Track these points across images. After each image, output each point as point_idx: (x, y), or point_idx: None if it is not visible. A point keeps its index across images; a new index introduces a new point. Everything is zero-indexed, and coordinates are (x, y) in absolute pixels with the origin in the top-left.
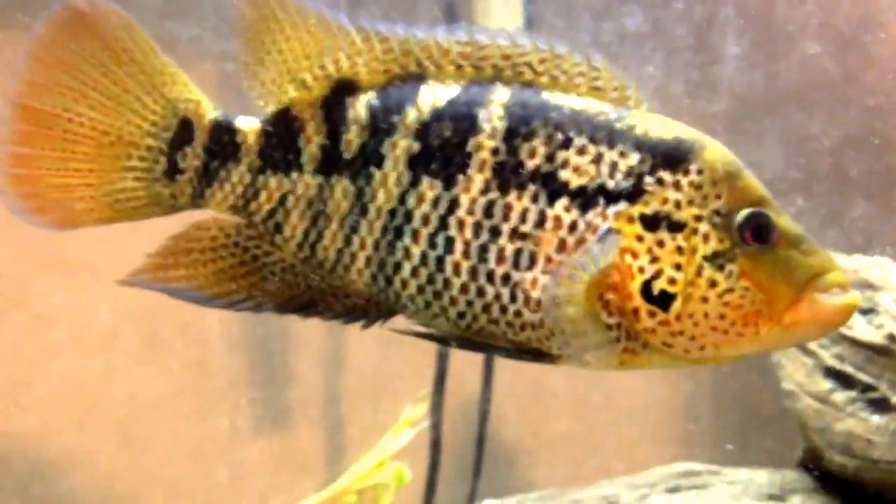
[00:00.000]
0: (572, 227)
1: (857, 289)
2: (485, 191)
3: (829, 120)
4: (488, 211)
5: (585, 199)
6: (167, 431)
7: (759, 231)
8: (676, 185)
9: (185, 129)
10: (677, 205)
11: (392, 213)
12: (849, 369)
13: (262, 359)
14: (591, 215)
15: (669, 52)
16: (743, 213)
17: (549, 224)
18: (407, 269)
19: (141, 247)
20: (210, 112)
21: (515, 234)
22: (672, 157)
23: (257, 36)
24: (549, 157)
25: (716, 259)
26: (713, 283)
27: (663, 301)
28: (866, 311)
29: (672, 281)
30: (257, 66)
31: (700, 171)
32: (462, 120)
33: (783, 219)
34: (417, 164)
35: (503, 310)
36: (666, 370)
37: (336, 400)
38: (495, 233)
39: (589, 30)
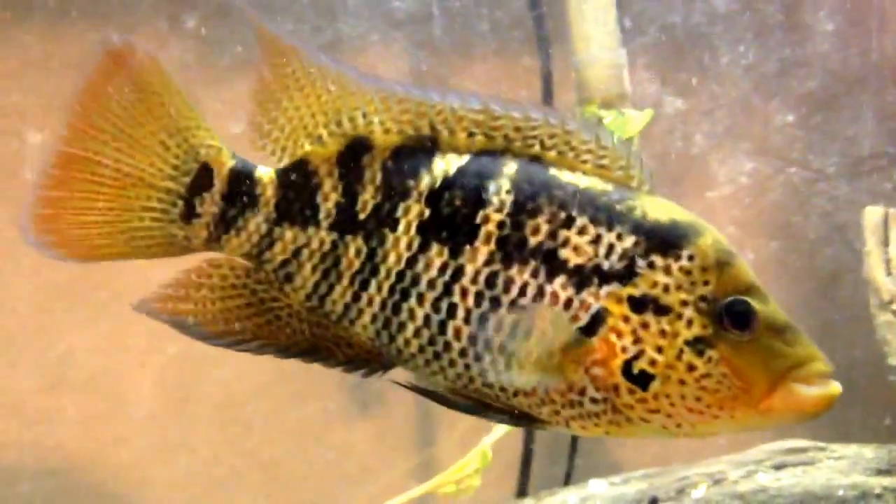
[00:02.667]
0: (567, 303)
1: None
2: (489, 262)
3: None
4: (490, 282)
5: (581, 277)
6: (265, 415)
7: (739, 319)
8: (667, 270)
9: (204, 175)
10: (665, 289)
11: (400, 275)
12: None
13: None
14: (585, 294)
15: (761, 30)
16: (726, 301)
17: (546, 299)
18: (410, 329)
19: None
20: (229, 160)
21: (514, 306)
22: (665, 242)
23: (273, 95)
24: (552, 235)
25: (697, 344)
26: (692, 368)
27: (643, 380)
28: None
29: (653, 362)
30: (270, 124)
31: (691, 257)
32: (472, 190)
33: (769, 308)
34: (427, 230)
35: (498, 375)
36: None
37: None
38: (496, 303)
39: (679, 10)
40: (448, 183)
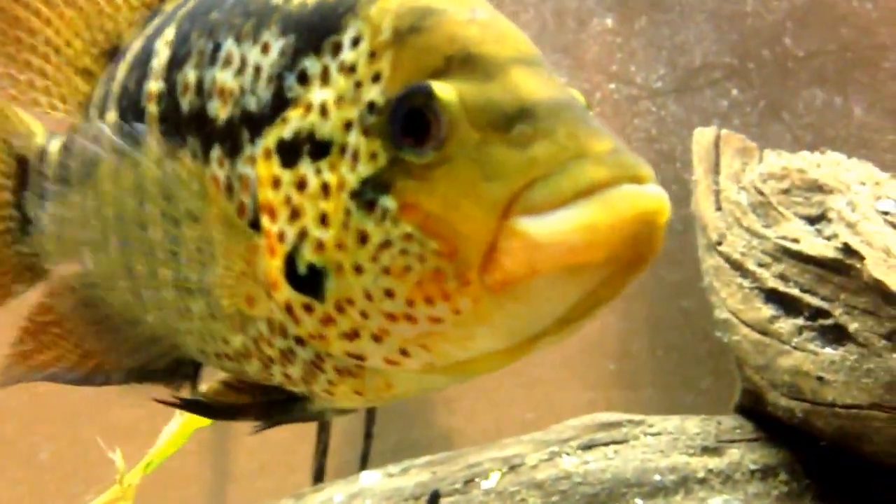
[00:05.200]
0: (229, 187)
1: (805, 193)
2: (158, 158)
3: None
4: (160, 188)
5: (233, 138)
6: (24, 399)
7: (412, 122)
8: (324, 76)
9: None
10: (323, 110)
11: None
12: (794, 291)
13: None
14: (241, 163)
15: None
16: (397, 97)
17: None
18: None
19: None
20: None
21: (175, 221)
22: (322, 31)
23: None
24: (199, 85)
25: (365, 192)
26: (364, 238)
27: (315, 283)
28: (815, 219)
29: (319, 245)
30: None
31: (356, 41)
32: (146, 60)
33: (497, 86)
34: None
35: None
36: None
37: None
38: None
39: None
40: (135, 59)
